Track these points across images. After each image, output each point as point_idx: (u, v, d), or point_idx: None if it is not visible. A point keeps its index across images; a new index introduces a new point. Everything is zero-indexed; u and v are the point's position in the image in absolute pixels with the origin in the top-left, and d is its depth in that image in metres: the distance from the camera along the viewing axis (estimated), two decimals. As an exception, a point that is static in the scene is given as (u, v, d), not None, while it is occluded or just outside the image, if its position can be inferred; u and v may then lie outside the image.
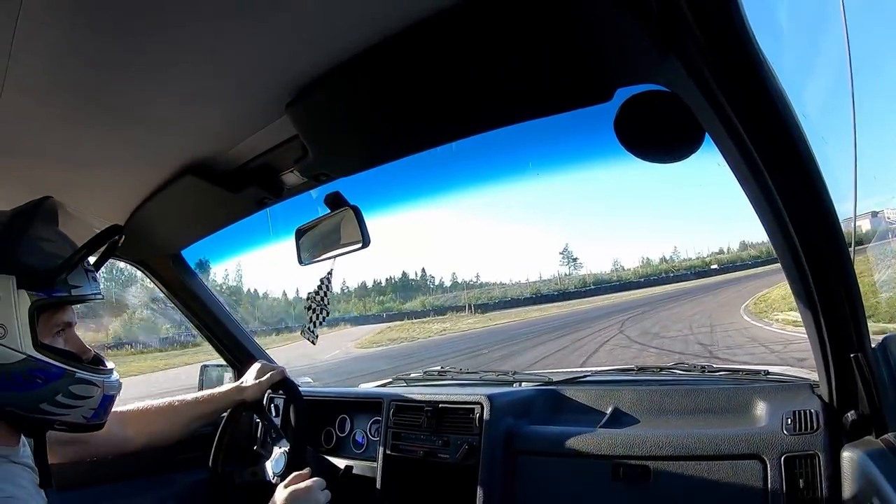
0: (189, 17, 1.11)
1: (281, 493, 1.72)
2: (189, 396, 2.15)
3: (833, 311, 1.43)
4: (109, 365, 1.49)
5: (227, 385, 2.23)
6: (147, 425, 2.04)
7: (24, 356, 1.27)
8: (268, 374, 2.24)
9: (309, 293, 2.14)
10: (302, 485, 1.74)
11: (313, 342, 2.25)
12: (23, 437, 1.42)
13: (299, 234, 2.04)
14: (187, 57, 1.23)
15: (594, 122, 1.41)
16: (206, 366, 3.17)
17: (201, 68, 1.29)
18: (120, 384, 1.50)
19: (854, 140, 1.33)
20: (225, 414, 2.32)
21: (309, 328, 2.21)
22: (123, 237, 1.55)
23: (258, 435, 2.64)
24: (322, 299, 2.14)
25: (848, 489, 1.54)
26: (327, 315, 2.17)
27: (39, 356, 1.30)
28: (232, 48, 1.22)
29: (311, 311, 2.15)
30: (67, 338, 1.42)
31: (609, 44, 1.15)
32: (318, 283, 2.13)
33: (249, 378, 2.26)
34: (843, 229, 1.31)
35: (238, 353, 2.93)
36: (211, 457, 2.23)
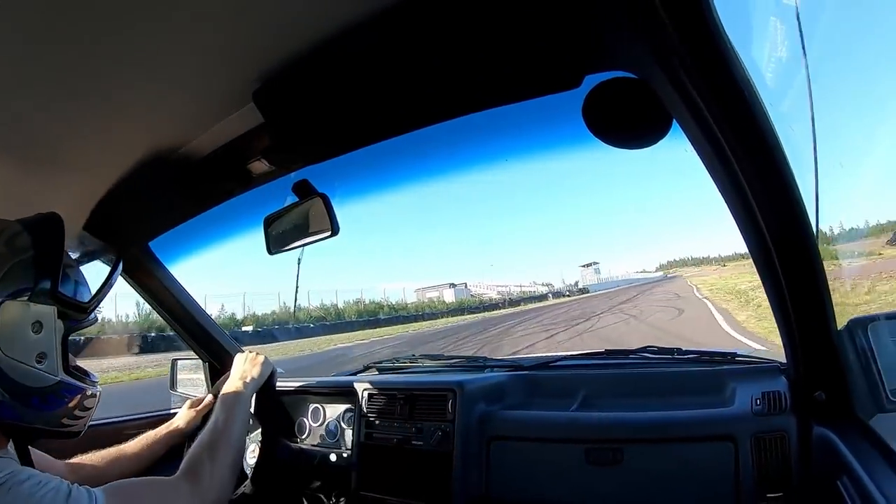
0: (155, 2, 1.08)
1: (237, 357, 2.14)
2: (132, 444, 2.14)
3: (800, 295, 1.45)
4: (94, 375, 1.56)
5: (166, 425, 2.23)
6: (100, 476, 2.00)
7: (58, 380, 1.36)
8: (204, 402, 2.31)
9: None
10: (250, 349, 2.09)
11: None
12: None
13: (268, 223, 2.01)
14: (152, 42, 1.21)
15: (563, 108, 1.41)
16: (176, 360, 3.14)
17: (167, 54, 1.26)
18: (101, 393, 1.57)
19: (812, 127, 1.34)
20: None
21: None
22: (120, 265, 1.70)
23: None
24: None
25: (817, 467, 1.57)
26: None
27: (68, 379, 1.39)
28: (198, 34, 1.20)
29: None
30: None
31: (578, 30, 1.15)
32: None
33: (183, 410, 2.32)
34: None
35: (210, 346, 2.91)
36: (185, 448, 2.20)
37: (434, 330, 36.95)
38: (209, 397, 2.29)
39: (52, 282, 1.34)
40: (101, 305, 1.54)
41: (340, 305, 54.67)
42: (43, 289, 1.33)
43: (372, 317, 51.87)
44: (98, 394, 1.51)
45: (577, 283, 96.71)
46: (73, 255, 2.09)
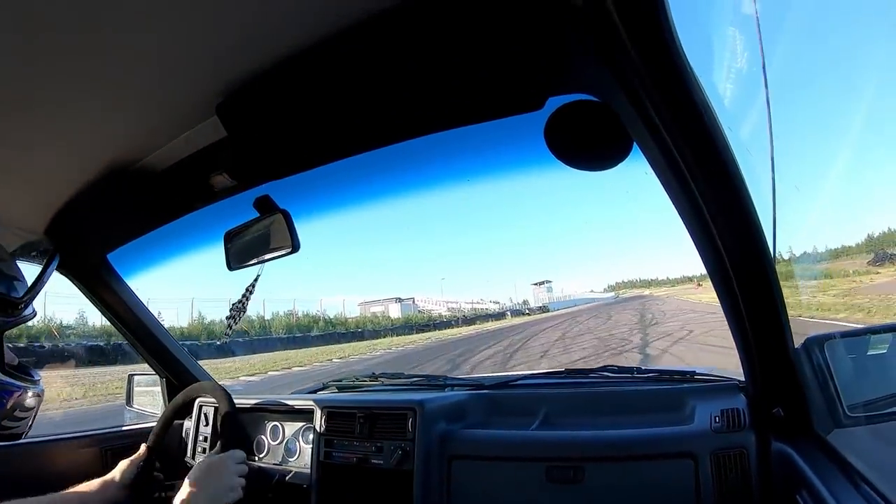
0: (118, 12, 1.06)
1: (198, 464, 1.78)
2: (66, 496, 1.88)
3: (757, 313, 1.47)
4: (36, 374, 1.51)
5: (102, 478, 2.02)
6: None
7: None
8: (137, 452, 2.15)
9: (233, 303, 2.08)
10: (217, 456, 1.81)
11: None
12: None
13: (228, 237, 1.98)
14: (115, 52, 1.19)
15: (525, 130, 1.42)
16: (133, 375, 3.09)
17: (129, 64, 1.24)
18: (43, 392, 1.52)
19: (770, 151, 1.37)
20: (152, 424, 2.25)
21: (227, 333, 2.18)
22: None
23: (188, 445, 2.58)
24: (242, 306, 2.09)
25: (777, 483, 1.60)
26: (237, 321, 2.12)
27: (6, 378, 1.35)
28: (161, 45, 1.18)
29: (230, 318, 2.11)
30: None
31: (542, 54, 1.16)
32: (245, 291, 2.08)
33: (119, 467, 2.09)
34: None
35: (167, 361, 2.86)
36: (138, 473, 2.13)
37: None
38: (142, 448, 2.15)
39: None
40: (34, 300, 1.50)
41: (268, 317, 44.96)
42: None
43: (304, 332, 43.83)
44: (41, 393, 1.46)
45: (525, 302, 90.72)
46: (12, 250, 2.02)
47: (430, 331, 51.54)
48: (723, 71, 1.30)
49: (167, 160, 1.72)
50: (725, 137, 1.11)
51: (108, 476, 2.06)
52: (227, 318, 2.08)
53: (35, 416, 1.46)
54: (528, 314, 72.45)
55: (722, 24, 1.33)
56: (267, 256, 1.87)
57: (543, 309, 79.14)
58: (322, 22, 1.15)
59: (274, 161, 1.68)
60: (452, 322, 59.95)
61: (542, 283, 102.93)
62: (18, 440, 1.50)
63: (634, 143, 1.23)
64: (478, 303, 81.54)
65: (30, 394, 1.40)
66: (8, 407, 1.35)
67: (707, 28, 1.27)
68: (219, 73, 1.31)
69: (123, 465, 2.12)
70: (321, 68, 1.27)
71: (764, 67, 1.29)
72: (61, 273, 2.50)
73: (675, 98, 1.05)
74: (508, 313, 74.16)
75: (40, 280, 1.49)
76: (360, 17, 1.13)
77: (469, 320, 62.05)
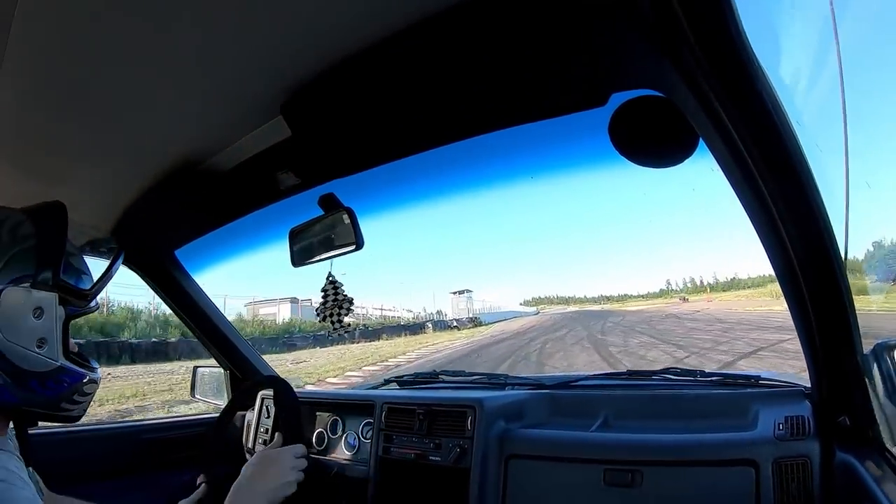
0: (186, 16, 1.11)
1: (257, 454, 1.86)
2: None
3: (825, 317, 1.43)
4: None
5: None
6: None
7: (59, 365, 1.39)
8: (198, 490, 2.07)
9: (320, 306, 2.14)
10: (276, 449, 1.89)
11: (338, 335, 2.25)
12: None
13: (293, 235, 2.03)
14: (184, 55, 1.24)
15: (589, 126, 1.41)
16: (198, 367, 3.17)
17: (197, 67, 1.29)
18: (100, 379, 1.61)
19: (845, 147, 1.33)
20: (217, 414, 2.31)
21: (337, 330, 2.21)
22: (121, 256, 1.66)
23: (249, 436, 2.63)
24: (335, 301, 2.14)
25: (839, 494, 1.54)
26: (345, 310, 2.17)
27: (69, 364, 1.41)
28: (229, 48, 1.22)
29: (328, 316, 2.15)
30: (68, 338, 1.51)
31: (605, 49, 1.16)
32: (323, 292, 2.12)
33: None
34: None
35: (231, 355, 2.94)
36: (203, 457, 2.22)
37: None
38: (201, 485, 2.01)
39: (54, 269, 1.38)
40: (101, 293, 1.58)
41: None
42: (45, 276, 1.36)
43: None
44: (98, 380, 1.54)
45: (441, 312, 79.15)
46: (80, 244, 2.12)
47: (304, 347, 34.02)
48: (790, 61, 1.27)
49: (233, 159, 1.78)
50: (794, 131, 1.09)
51: None
52: (332, 314, 2.14)
53: (90, 402, 1.54)
54: (458, 328, 59.12)
55: (791, 14, 1.30)
56: (331, 253, 1.91)
57: (475, 322, 65.81)
58: (384, 22, 1.17)
59: (338, 159, 1.71)
60: (354, 332, 38.80)
61: (461, 291, 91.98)
62: (75, 423, 1.59)
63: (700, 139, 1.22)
64: (389, 310, 66.39)
65: (87, 380, 1.48)
66: (68, 391, 1.42)
67: (774, 18, 1.24)
68: (284, 73, 1.35)
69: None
70: (383, 68, 1.30)
71: (839, 57, 1.25)
72: (131, 269, 2.61)
73: (741, 92, 1.03)
74: (429, 325, 59.12)
75: (107, 274, 1.56)
76: (423, 17, 1.14)
77: (372, 333, 44.68)
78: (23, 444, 1.46)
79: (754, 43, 0.95)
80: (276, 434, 2.14)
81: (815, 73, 1.33)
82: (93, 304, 1.53)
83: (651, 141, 1.26)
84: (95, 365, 1.55)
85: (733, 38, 0.94)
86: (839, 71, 1.27)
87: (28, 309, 1.33)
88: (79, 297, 1.44)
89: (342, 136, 1.58)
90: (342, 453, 2.44)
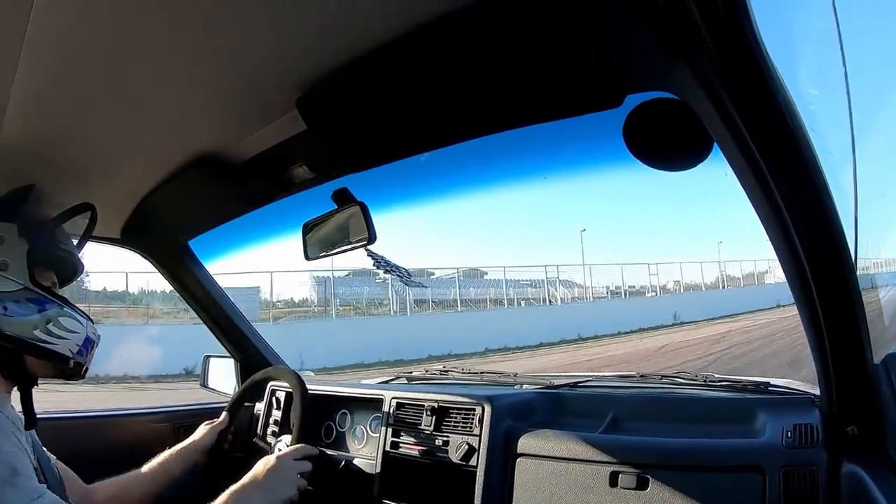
0: (204, 12, 1.12)
1: (263, 460, 1.88)
2: (148, 465, 2.12)
3: (836, 325, 1.42)
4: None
5: (182, 443, 2.23)
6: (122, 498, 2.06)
7: (22, 286, 1.50)
8: (219, 419, 2.34)
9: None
10: (282, 452, 1.95)
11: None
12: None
13: (306, 228, 2.05)
14: (200, 48, 1.25)
15: (603, 127, 1.41)
16: (208, 356, 3.20)
17: (214, 60, 1.30)
18: (99, 336, 1.70)
19: (853, 155, 1.33)
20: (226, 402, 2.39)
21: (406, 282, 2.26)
22: (97, 215, 1.78)
23: (258, 428, 2.65)
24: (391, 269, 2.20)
25: None
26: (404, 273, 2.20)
27: (34, 287, 1.53)
28: (244, 41, 1.23)
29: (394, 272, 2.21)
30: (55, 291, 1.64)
31: (620, 50, 1.16)
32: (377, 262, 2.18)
33: (199, 429, 2.32)
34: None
35: (242, 344, 2.96)
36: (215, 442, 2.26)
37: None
38: (224, 415, 2.34)
39: (14, 205, 1.56)
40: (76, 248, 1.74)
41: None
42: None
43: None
44: (87, 327, 1.63)
45: None
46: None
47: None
48: (806, 67, 1.27)
49: (248, 153, 1.79)
50: (808, 137, 1.08)
51: (188, 441, 2.24)
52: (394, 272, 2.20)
53: (90, 354, 1.65)
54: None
55: (806, 21, 1.29)
56: (344, 248, 1.93)
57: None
58: (401, 18, 1.17)
59: (352, 155, 1.72)
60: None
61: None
62: (83, 377, 1.66)
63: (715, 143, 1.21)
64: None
65: (62, 315, 1.57)
66: (39, 317, 1.52)
67: (790, 22, 1.24)
68: (300, 68, 1.35)
69: (203, 429, 2.29)
70: (399, 65, 1.30)
71: (843, 62, 1.24)
72: (144, 257, 2.65)
73: (757, 97, 1.02)
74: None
75: (86, 234, 1.77)
76: (439, 14, 1.14)
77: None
78: (26, 408, 1.56)
79: (770, 46, 0.94)
80: (285, 435, 2.16)
81: (832, 78, 1.32)
82: (74, 252, 1.70)
83: (665, 144, 1.26)
84: (78, 309, 1.65)
85: (749, 41, 0.93)
86: (844, 77, 1.26)
87: None
88: (38, 230, 1.58)
89: (357, 132, 1.59)
90: (350, 447, 2.45)
